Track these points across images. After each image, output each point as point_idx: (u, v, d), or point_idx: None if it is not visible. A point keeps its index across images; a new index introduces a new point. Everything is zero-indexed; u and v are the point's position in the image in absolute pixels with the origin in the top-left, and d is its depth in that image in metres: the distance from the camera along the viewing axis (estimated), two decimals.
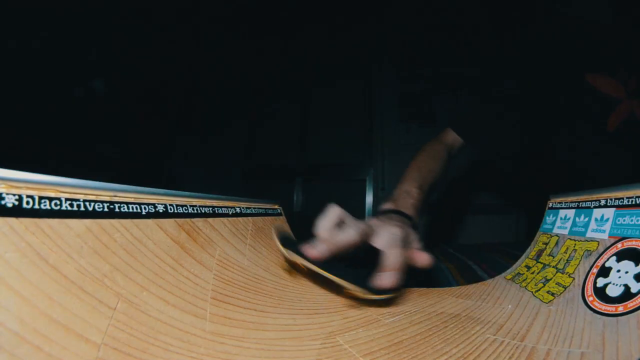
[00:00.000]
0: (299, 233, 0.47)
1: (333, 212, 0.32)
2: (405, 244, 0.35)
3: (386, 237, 0.33)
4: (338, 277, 0.29)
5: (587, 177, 0.58)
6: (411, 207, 0.48)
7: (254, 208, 0.39)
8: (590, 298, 0.24)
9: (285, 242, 0.32)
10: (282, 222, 0.45)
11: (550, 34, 0.64)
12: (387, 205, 0.47)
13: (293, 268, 0.35)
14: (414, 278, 0.37)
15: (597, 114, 0.56)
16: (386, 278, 0.30)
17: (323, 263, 0.30)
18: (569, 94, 0.58)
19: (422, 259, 0.35)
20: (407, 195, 0.50)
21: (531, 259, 0.36)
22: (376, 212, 0.45)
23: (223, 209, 0.32)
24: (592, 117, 0.56)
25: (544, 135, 0.61)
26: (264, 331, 0.24)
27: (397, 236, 0.34)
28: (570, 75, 0.57)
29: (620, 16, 0.56)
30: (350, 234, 0.31)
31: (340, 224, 0.32)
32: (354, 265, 0.32)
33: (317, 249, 0.30)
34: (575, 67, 0.57)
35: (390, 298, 0.31)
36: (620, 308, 0.21)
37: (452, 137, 0.66)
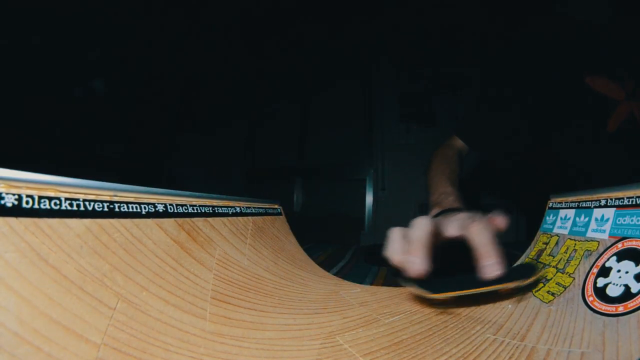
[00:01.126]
0: (299, 233, 0.48)
1: (396, 234, 0.30)
2: (475, 219, 0.32)
3: (455, 221, 0.31)
4: (472, 288, 0.27)
5: (587, 177, 0.58)
6: (455, 202, 0.48)
7: (254, 208, 0.39)
8: (591, 298, 0.24)
9: (396, 274, 0.29)
10: (282, 222, 0.45)
11: (549, 35, 0.64)
12: (433, 212, 0.46)
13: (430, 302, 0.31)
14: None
15: (597, 114, 0.56)
16: (493, 267, 0.27)
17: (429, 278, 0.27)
18: (569, 94, 0.58)
19: (500, 220, 0.32)
20: (447, 196, 0.51)
21: (531, 258, 0.36)
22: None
23: (223, 208, 0.32)
24: (592, 118, 0.56)
25: (545, 136, 0.62)
26: (264, 331, 0.24)
27: (465, 215, 0.32)
28: (570, 75, 0.58)
29: (619, 17, 0.56)
30: (420, 228, 0.29)
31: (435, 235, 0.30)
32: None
33: (415, 265, 0.27)
34: (574, 67, 0.57)
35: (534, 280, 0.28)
36: (621, 308, 0.21)
37: (460, 142, 0.67)
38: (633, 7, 0.55)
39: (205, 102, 1.87)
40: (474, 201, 1.42)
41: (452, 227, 0.31)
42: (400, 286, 0.37)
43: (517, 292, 0.29)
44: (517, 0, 1.02)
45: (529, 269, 0.29)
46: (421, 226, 0.29)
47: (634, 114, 0.53)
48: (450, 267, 0.29)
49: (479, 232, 0.29)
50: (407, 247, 0.29)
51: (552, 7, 0.66)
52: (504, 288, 0.28)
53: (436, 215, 0.44)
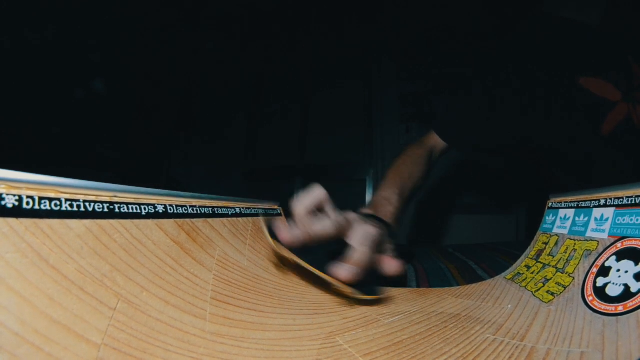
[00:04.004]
0: None
1: (316, 194, 0.32)
2: (378, 247, 0.34)
3: (360, 234, 0.33)
4: (315, 268, 0.29)
5: (587, 177, 0.58)
6: (390, 214, 0.47)
7: (254, 208, 0.39)
8: (590, 298, 0.24)
9: (271, 228, 0.31)
10: (282, 222, 0.45)
11: (542, 36, 0.64)
12: (366, 211, 0.47)
13: (281, 261, 0.35)
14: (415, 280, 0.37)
15: (594, 114, 0.56)
16: (344, 270, 0.29)
17: (298, 250, 0.30)
18: (564, 94, 0.58)
19: (392, 265, 0.34)
20: (387, 202, 0.50)
21: (531, 258, 0.36)
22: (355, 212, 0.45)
23: (223, 209, 0.32)
24: (590, 118, 0.56)
25: (540, 134, 0.61)
26: (264, 331, 0.24)
27: (372, 236, 0.33)
28: (564, 76, 0.57)
29: (611, 17, 0.56)
30: (326, 225, 0.31)
31: (320, 209, 0.32)
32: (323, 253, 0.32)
33: (291, 234, 0.29)
34: (567, 68, 0.57)
35: (375, 300, 0.31)
36: (620, 307, 0.21)
37: (434, 140, 0.66)
38: (625, 8, 0.55)
39: (205, 102, 1.87)
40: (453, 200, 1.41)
41: (355, 237, 0.32)
42: (398, 286, 0.37)
43: (347, 297, 0.31)
44: (510, 0, 1.02)
45: (373, 290, 0.32)
46: (330, 222, 0.31)
47: (630, 116, 0.53)
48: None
49: (363, 254, 0.31)
50: (310, 220, 0.31)
51: (544, 8, 0.66)
52: (336, 286, 0.30)
53: (364, 215, 0.44)
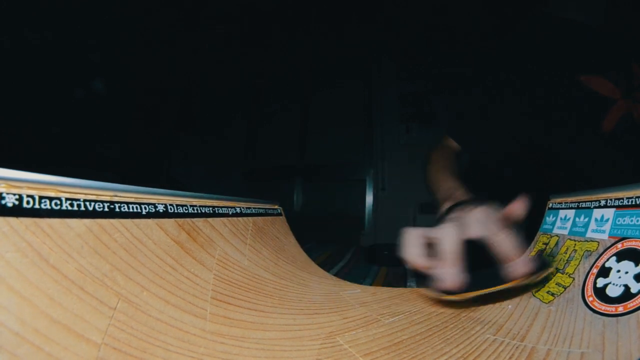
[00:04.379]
0: (299, 233, 0.48)
1: (414, 236, 0.30)
2: (493, 215, 0.31)
3: (476, 222, 0.30)
4: (496, 286, 0.27)
5: (587, 177, 0.58)
6: (465, 194, 0.46)
7: (254, 208, 0.39)
8: (590, 298, 0.24)
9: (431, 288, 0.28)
10: (282, 222, 0.45)
11: (542, 35, 0.64)
12: (445, 205, 0.46)
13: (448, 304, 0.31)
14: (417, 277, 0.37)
15: (594, 113, 0.56)
16: (518, 263, 0.26)
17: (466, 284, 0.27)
18: (564, 93, 0.58)
19: (518, 207, 0.31)
20: (455, 189, 0.50)
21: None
22: (437, 219, 0.43)
23: (223, 209, 0.32)
24: (590, 117, 0.56)
25: (541, 136, 0.61)
26: (264, 331, 0.24)
27: (483, 212, 0.31)
28: (564, 75, 0.58)
29: (613, 17, 0.56)
30: (451, 240, 0.28)
31: (426, 242, 0.30)
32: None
33: (450, 279, 0.27)
34: (569, 67, 0.57)
35: (544, 276, 0.28)
36: (620, 308, 0.21)
37: (452, 142, 0.67)
38: (627, 8, 0.55)
39: (205, 102, 1.87)
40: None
41: (475, 229, 0.30)
42: (398, 286, 0.37)
43: (528, 287, 0.29)
44: (512, 1, 1.02)
45: (543, 262, 0.29)
46: (451, 237, 0.29)
47: (631, 112, 0.53)
48: (468, 265, 0.29)
49: (504, 239, 0.29)
50: (435, 255, 0.28)
51: (546, 8, 0.66)
52: (518, 284, 0.28)
53: (450, 209, 0.43)
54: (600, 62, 0.56)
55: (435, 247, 0.29)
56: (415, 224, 1.41)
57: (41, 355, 0.14)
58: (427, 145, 0.71)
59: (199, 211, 0.28)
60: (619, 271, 0.23)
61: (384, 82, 1.63)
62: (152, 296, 0.20)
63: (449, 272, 0.27)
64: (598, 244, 0.27)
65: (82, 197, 0.19)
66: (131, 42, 1.51)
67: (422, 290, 0.34)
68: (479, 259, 0.29)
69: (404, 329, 0.26)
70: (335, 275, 0.44)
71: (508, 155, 0.68)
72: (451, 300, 0.29)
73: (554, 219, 0.36)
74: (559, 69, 0.59)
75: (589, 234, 0.29)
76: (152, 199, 0.24)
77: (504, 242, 0.29)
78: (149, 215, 0.23)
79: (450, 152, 0.65)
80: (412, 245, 0.30)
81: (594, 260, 0.26)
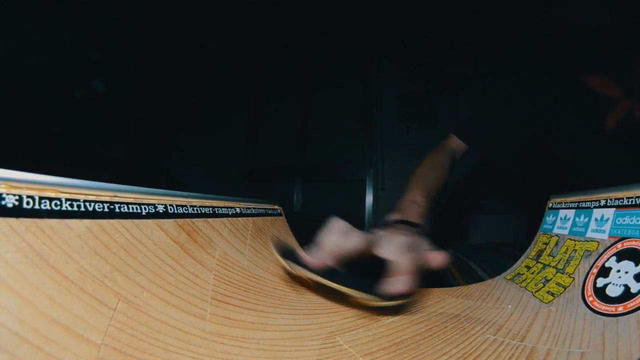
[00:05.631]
0: (299, 233, 0.48)
1: (336, 225, 0.31)
2: (414, 249, 0.33)
3: (392, 246, 0.32)
4: (343, 286, 0.28)
5: (587, 177, 0.58)
6: (418, 215, 0.47)
7: (254, 208, 0.39)
8: (590, 298, 0.24)
9: (285, 253, 0.30)
10: (282, 222, 0.45)
11: (547, 36, 0.64)
12: (393, 216, 0.47)
13: (295, 279, 0.34)
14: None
15: (595, 113, 0.56)
16: (397, 283, 0.29)
17: (325, 272, 0.29)
18: (567, 93, 0.58)
19: (437, 258, 0.34)
20: (414, 204, 0.50)
21: (531, 259, 0.36)
22: (382, 223, 0.45)
23: (223, 209, 0.32)
24: (591, 117, 0.56)
25: (544, 135, 0.62)
26: (264, 331, 0.24)
27: (404, 244, 0.33)
28: (568, 75, 0.58)
29: (617, 19, 0.56)
30: (354, 241, 0.30)
31: (343, 235, 0.31)
32: (358, 274, 0.30)
33: (318, 258, 0.29)
34: (572, 67, 0.58)
35: (400, 304, 0.30)
36: (620, 308, 0.21)
37: (455, 143, 0.67)
38: (630, 9, 0.55)
39: (205, 102, 1.87)
40: (468, 203, 1.42)
41: (386, 250, 0.32)
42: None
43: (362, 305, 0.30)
44: (516, 2, 1.02)
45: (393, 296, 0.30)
46: (357, 237, 0.31)
47: (632, 112, 0.53)
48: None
49: (406, 262, 0.30)
50: (336, 243, 0.30)
51: (550, 10, 0.66)
52: (359, 298, 0.29)
53: (393, 222, 0.44)
54: (603, 61, 0.56)
55: (348, 236, 0.31)
56: None
57: (41, 355, 0.14)
58: (428, 145, 0.71)
59: (199, 211, 0.28)
60: (619, 271, 0.23)
61: (384, 82, 1.63)
62: (152, 296, 0.20)
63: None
64: (598, 244, 0.27)
65: (82, 197, 0.19)
66: (131, 42, 1.51)
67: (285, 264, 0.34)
68: (373, 268, 0.31)
69: (404, 329, 0.26)
70: None
71: (515, 154, 0.68)
72: (296, 275, 0.31)
73: (554, 218, 0.36)
74: (562, 68, 0.59)
75: (589, 234, 0.29)
76: (152, 199, 0.24)
77: (402, 264, 0.30)
78: (148, 216, 0.23)
79: (445, 156, 0.64)
80: (330, 231, 0.31)
81: (594, 260, 0.26)
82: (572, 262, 0.29)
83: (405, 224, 0.44)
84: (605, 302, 0.23)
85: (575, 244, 0.30)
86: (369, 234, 0.33)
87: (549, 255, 0.33)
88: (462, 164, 0.70)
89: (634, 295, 0.21)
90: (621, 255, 0.24)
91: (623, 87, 0.54)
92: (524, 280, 0.33)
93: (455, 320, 0.27)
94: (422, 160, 0.65)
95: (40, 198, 0.17)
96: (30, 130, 1.20)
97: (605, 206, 0.28)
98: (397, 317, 0.28)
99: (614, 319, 0.21)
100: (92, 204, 0.19)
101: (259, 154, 1.81)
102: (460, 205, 1.44)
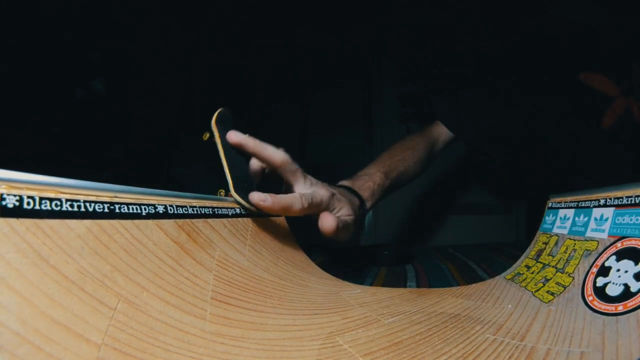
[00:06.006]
0: (299, 233, 0.48)
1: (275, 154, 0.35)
2: (324, 205, 0.33)
3: (305, 186, 0.33)
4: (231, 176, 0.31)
5: (587, 177, 0.58)
6: (367, 189, 0.46)
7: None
8: (590, 297, 0.24)
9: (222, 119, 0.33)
10: (282, 222, 0.45)
11: (544, 35, 0.64)
12: (343, 182, 0.46)
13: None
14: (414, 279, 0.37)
15: (593, 112, 0.56)
16: (257, 195, 0.30)
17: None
18: (564, 91, 0.58)
19: (327, 221, 0.34)
20: (368, 178, 0.49)
21: (531, 258, 0.36)
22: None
23: (223, 209, 0.32)
24: (589, 115, 0.56)
25: (540, 133, 0.61)
26: (264, 331, 0.24)
27: (318, 193, 0.33)
28: (565, 73, 0.58)
29: (614, 18, 0.56)
30: (275, 152, 0.33)
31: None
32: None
33: (238, 134, 0.32)
34: (569, 66, 0.58)
35: (252, 212, 0.32)
36: (620, 307, 0.21)
37: (437, 131, 0.65)
38: (628, 8, 0.55)
39: (205, 102, 1.87)
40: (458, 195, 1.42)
41: (299, 185, 0.35)
42: (399, 286, 0.37)
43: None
44: (513, 1, 1.02)
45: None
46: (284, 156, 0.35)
47: (630, 110, 0.54)
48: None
49: (295, 196, 0.33)
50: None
51: (548, 9, 0.66)
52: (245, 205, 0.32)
53: (337, 185, 0.44)
54: (601, 60, 0.56)
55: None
56: (415, 224, 1.41)
57: (41, 355, 0.14)
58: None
59: (199, 212, 0.28)
60: (618, 270, 0.24)
61: (384, 82, 1.63)
62: (152, 297, 0.20)
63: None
64: (598, 243, 0.27)
65: (82, 198, 0.19)
66: (131, 42, 1.51)
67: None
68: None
69: (404, 329, 0.26)
70: (335, 275, 0.44)
71: (508, 150, 0.67)
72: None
73: (553, 218, 0.37)
74: (560, 66, 0.59)
75: (589, 233, 0.29)
76: (152, 199, 0.24)
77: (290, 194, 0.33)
78: (148, 216, 0.23)
79: (421, 142, 0.63)
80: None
81: (593, 260, 0.26)
82: (571, 262, 0.29)
83: (349, 190, 0.43)
84: (605, 302, 0.23)
85: (574, 244, 0.30)
86: (298, 167, 0.35)
87: (548, 254, 0.33)
88: (447, 156, 0.68)
89: (634, 294, 0.21)
90: (621, 255, 0.24)
91: (621, 84, 0.54)
92: (524, 279, 0.33)
93: (455, 320, 0.27)
94: (398, 140, 0.63)
95: (41, 198, 0.17)
96: (30, 130, 1.20)
97: (605, 205, 0.28)
98: (397, 317, 0.28)
99: (614, 318, 0.21)
100: (92, 204, 0.19)
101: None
102: (459, 203, 1.44)
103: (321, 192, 0.35)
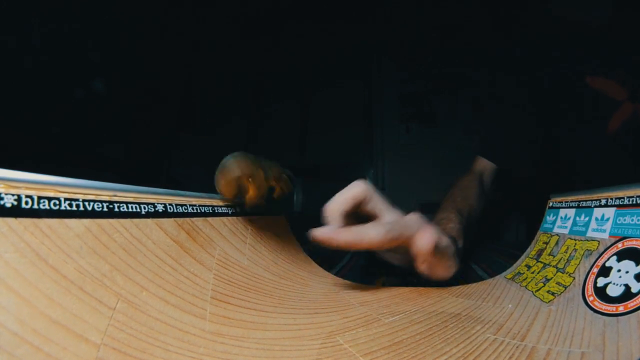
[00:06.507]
0: (299, 233, 0.48)
1: (355, 191, 0.26)
2: (414, 229, 0.27)
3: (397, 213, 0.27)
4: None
5: (588, 177, 0.58)
6: (452, 230, 0.44)
7: None
8: (591, 298, 0.24)
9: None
10: (282, 221, 0.45)
11: (548, 37, 0.64)
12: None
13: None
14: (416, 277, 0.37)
15: (598, 114, 0.56)
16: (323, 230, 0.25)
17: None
18: (570, 94, 0.58)
19: (424, 236, 0.27)
20: (446, 220, 0.46)
21: (531, 258, 0.36)
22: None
23: (223, 208, 0.32)
24: (594, 118, 0.56)
25: (548, 136, 0.61)
26: (264, 331, 0.24)
27: (443, 239, 0.28)
28: (571, 76, 0.58)
29: (618, 17, 0.56)
30: (375, 232, 0.25)
31: (364, 209, 0.26)
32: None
33: (329, 232, 0.25)
34: (575, 68, 0.57)
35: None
36: (621, 308, 0.21)
37: (481, 165, 0.65)
38: (632, 8, 0.55)
39: (205, 102, 1.87)
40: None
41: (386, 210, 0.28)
42: (398, 286, 0.37)
43: None
44: (516, 2, 1.02)
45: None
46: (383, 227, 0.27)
47: (636, 113, 0.53)
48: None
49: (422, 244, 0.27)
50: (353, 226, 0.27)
51: (551, 9, 0.66)
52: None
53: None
54: (606, 62, 0.56)
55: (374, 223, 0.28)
56: None
57: (40, 355, 0.14)
58: (428, 145, 0.71)
59: (199, 211, 0.28)
60: (619, 270, 0.23)
61: (384, 82, 1.63)
62: (151, 296, 0.20)
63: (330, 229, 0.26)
64: (598, 243, 0.27)
65: (81, 197, 0.19)
66: (131, 42, 1.51)
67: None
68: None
69: (404, 328, 0.26)
70: (335, 275, 0.44)
71: (527, 159, 0.67)
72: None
73: (554, 218, 0.36)
74: (565, 70, 0.59)
75: (590, 233, 0.29)
76: (152, 198, 0.24)
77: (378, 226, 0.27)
78: (148, 215, 0.23)
79: (472, 180, 0.62)
80: (345, 197, 0.28)
81: (594, 260, 0.26)
82: (572, 262, 0.29)
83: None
84: (606, 302, 0.23)
85: (575, 244, 0.30)
86: (400, 218, 0.28)
87: (549, 254, 0.33)
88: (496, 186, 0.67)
89: (635, 295, 0.21)
90: (622, 255, 0.24)
91: (628, 87, 0.54)
92: (524, 279, 0.33)
93: (456, 320, 0.27)
94: (454, 183, 0.62)
95: (39, 198, 0.17)
96: (30, 130, 1.19)
97: (606, 205, 0.28)
98: (397, 316, 0.28)
99: (615, 318, 0.21)
100: (91, 203, 0.19)
101: (259, 154, 1.81)
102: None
103: (408, 216, 0.29)
